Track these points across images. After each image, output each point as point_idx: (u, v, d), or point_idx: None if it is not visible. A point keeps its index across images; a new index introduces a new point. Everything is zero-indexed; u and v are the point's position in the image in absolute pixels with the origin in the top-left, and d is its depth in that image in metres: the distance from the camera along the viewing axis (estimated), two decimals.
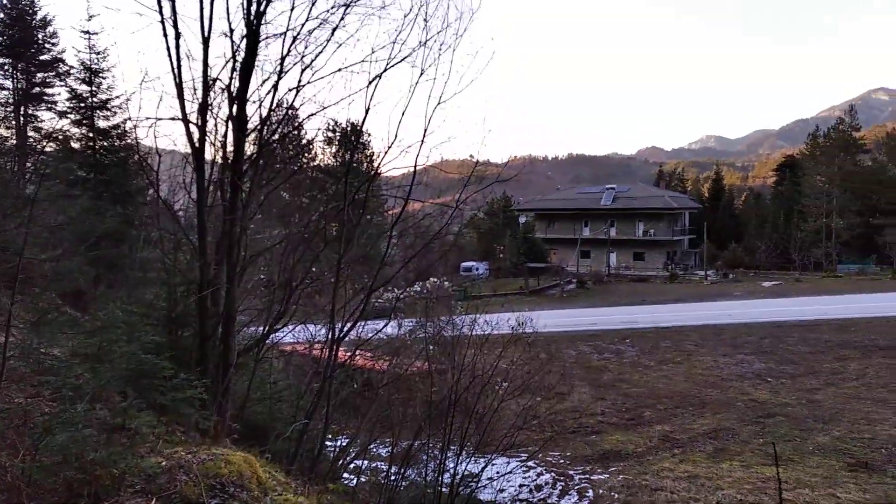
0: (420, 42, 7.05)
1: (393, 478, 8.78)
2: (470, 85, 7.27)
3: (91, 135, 19.46)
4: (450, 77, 7.14)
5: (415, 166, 7.52)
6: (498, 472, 11.17)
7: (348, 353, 8.52)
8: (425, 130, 7.25)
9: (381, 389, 9.20)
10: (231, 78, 7.01)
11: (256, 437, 7.84)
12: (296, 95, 7.17)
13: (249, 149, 7.34)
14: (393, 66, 7.06)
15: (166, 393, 6.58)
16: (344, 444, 9.12)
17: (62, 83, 24.02)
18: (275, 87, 7.08)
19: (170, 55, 6.78)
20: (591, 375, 22.10)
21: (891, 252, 56.88)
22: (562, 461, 13.77)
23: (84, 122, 19.51)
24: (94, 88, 19.38)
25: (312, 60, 7.06)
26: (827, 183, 70.11)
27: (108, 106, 19.58)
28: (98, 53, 19.18)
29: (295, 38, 7.02)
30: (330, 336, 7.67)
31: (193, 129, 6.92)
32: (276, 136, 7.77)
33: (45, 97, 25.20)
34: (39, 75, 25.19)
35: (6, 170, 18.72)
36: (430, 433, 8.84)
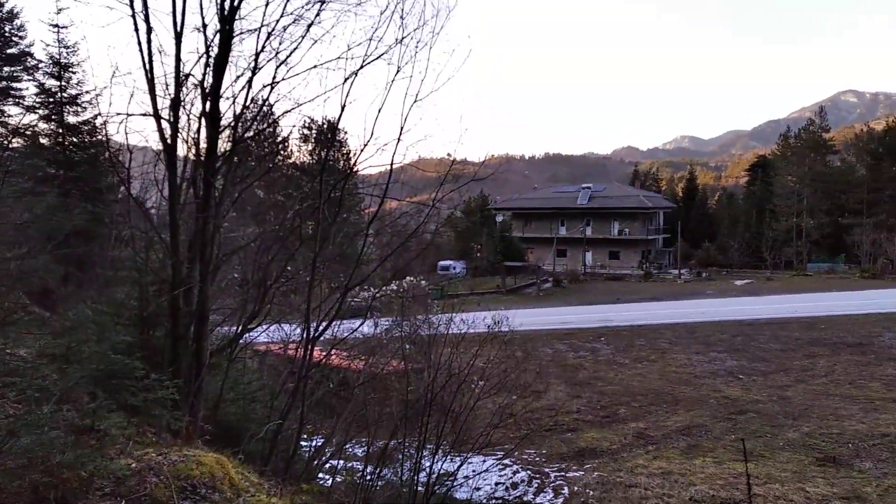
0: (396, 40, 7.03)
1: (368, 477, 8.73)
2: (447, 83, 7.26)
3: (60, 130, 19.11)
4: (426, 75, 7.12)
5: (391, 164, 7.49)
6: (474, 471, 11.18)
7: (324, 353, 8.45)
8: (402, 128, 7.22)
9: (356, 389, 9.15)
10: (204, 74, 6.91)
11: (230, 438, 7.75)
12: (270, 92, 7.10)
13: (223, 146, 7.23)
14: (369, 63, 7.01)
15: (137, 394, 6.46)
16: (319, 444, 9.05)
17: (30, 77, 23.51)
18: (249, 83, 7.00)
19: (141, 50, 6.66)
20: (567, 373, 22.23)
21: (859, 251, 58.02)
22: (537, 459, 13.82)
23: (53, 117, 19.14)
24: (63, 83, 19.03)
25: (287, 57, 6.99)
26: (798, 183, 71.40)
27: (78, 101, 19.24)
28: (67, 48, 18.84)
29: (270, 34, 6.95)
30: (305, 335, 7.59)
31: (165, 125, 6.82)
32: (251, 133, 7.68)
33: (13, 91, 24.61)
34: (6, 69, 24.60)
35: None
36: (406, 432, 8.81)
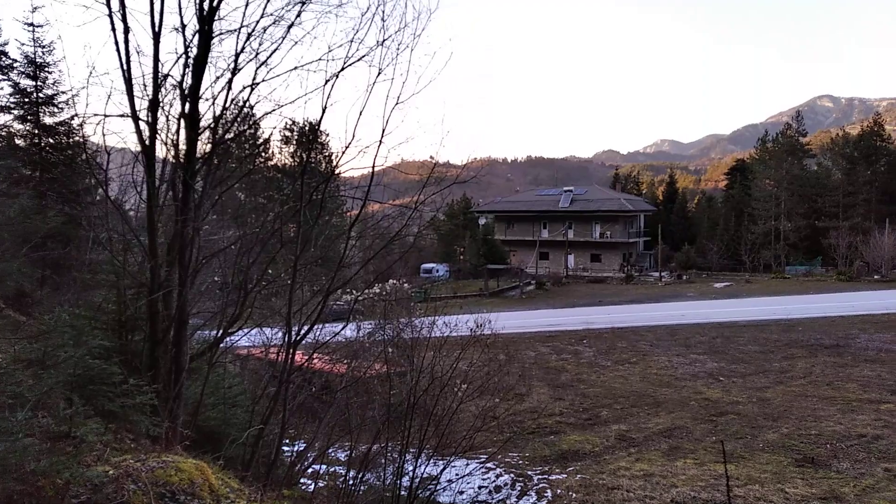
0: (378, 42, 6.99)
1: (351, 482, 8.66)
2: (428, 86, 7.23)
3: (36, 131, 18.78)
4: (408, 77, 7.09)
5: (373, 167, 7.44)
6: (457, 474, 11.14)
7: (306, 357, 8.37)
8: (383, 131, 7.19)
9: (339, 393, 9.08)
10: (183, 74, 6.83)
11: (210, 443, 7.65)
12: (250, 93, 7.02)
13: (203, 147, 7.15)
14: (350, 65, 6.97)
15: (115, 399, 6.36)
16: (301, 448, 8.96)
17: (5, 77, 23.10)
18: (229, 84, 6.93)
19: (118, 50, 6.56)
20: (550, 376, 22.29)
21: (835, 254, 58.90)
22: (521, 462, 13.82)
23: (29, 117, 18.81)
24: (39, 83, 18.71)
25: (268, 58, 6.93)
26: (775, 186, 72.34)
27: (55, 101, 18.92)
28: (43, 47, 18.52)
29: (250, 35, 6.88)
30: (286, 339, 7.52)
31: (143, 126, 6.72)
32: (231, 135, 7.60)
33: None
34: None
35: None
36: (388, 436, 8.76)
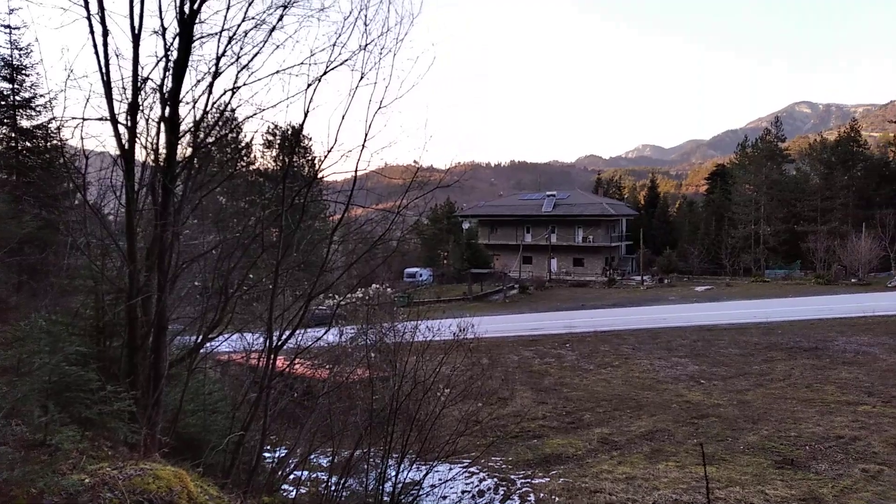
0: (360, 46, 6.97)
1: (333, 488, 8.61)
2: (411, 90, 7.22)
3: (13, 135, 18.51)
4: (390, 82, 7.06)
5: (355, 171, 7.41)
6: (440, 479, 11.12)
7: (287, 362, 8.32)
8: (366, 135, 7.16)
9: (321, 398, 9.02)
10: (164, 78, 6.77)
11: (190, 450, 7.57)
12: (232, 97, 6.97)
13: (183, 151, 7.09)
14: (333, 69, 6.94)
15: (92, 406, 6.27)
16: (283, 454, 8.90)
17: None
18: (209, 87, 6.87)
19: (97, 53, 6.49)
20: (533, 380, 22.34)
21: (813, 257, 59.67)
22: (504, 466, 13.82)
23: (6, 121, 18.54)
24: (16, 86, 18.45)
25: (249, 61, 6.88)
26: (755, 191, 73.19)
27: (32, 105, 18.67)
28: (20, 49, 18.27)
29: (231, 39, 6.84)
30: (267, 344, 7.46)
31: (123, 130, 6.65)
32: (212, 139, 7.54)
33: None
34: None
35: None
36: (371, 442, 8.72)
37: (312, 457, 9.56)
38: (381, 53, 7.01)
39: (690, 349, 26.54)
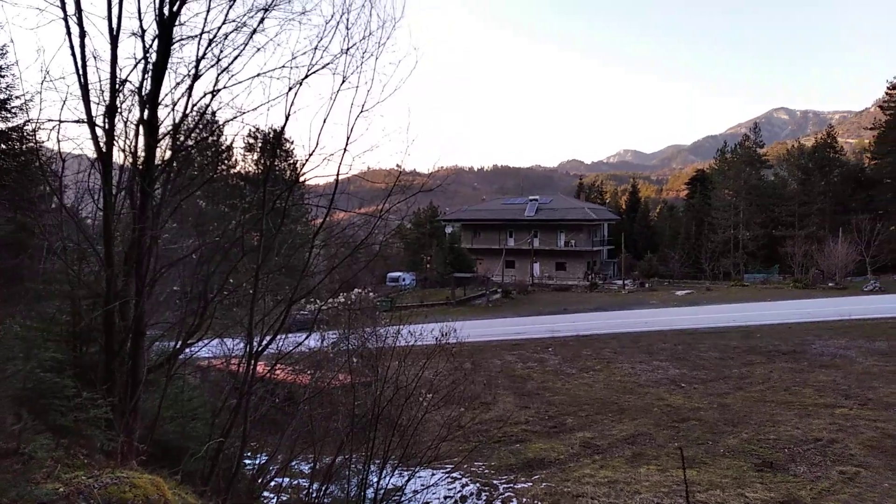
0: (342, 49, 6.94)
1: (315, 495, 8.54)
2: (393, 94, 7.21)
3: None
4: (372, 85, 7.04)
5: (337, 175, 7.37)
6: (422, 485, 11.08)
7: (268, 368, 8.24)
8: (348, 139, 7.12)
9: (302, 404, 8.94)
10: (142, 80, 6.69)
11: (168, 457, 7.45)
12: (212, 99, 6.90)
13: (162, 154, 7.01)
14: (314, 72, 6.90)
15: (67, 413, 6.17)
16: (263, 461, 8.80)
17: None
18: (189, 90, 6.80)
19: (74, 54, 6.41)
20: (516, 384, 22.35)
21: (792, 262, 60.41)
22: (486, 471, 13.80)
23: None
24: None
25: (230, 64, 6.82)
26: (734, 196, 74.02)
27: (7, 106, 18.34)
28: None
29: (211, 41, 6.77)
30: (247, 350, 7.38)
31: (100, 132, 6.56)
32: (191, 142, 7.46)
33: None
34: None
35: None
36: (352, 448, 8.65)
37: (294, 463, 9.47)
38: (363, 57, 6.99)
39: (671, 353, 26.73)
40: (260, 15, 6.81)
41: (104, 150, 6.58)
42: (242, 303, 8.45)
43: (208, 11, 6.71)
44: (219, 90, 6.93)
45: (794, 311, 37.44)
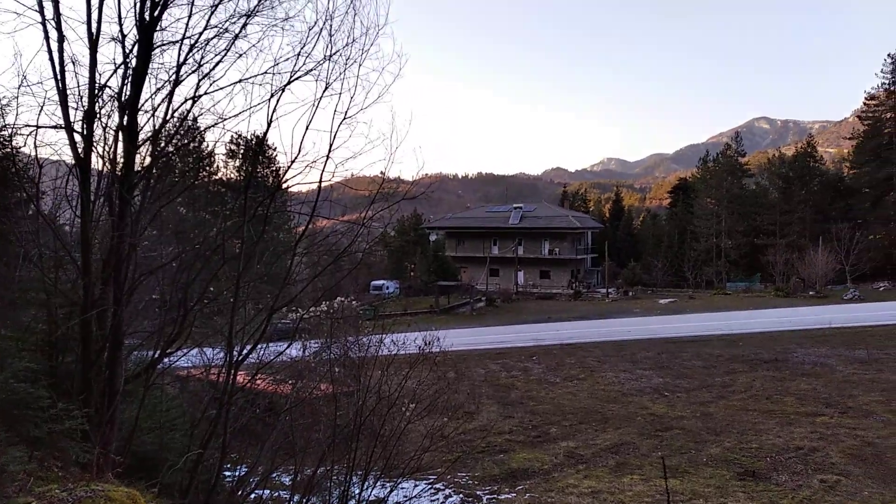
0: (325, 56, 6.89)
1: None
2: (377, 101, 7.18)
3: None
4: (356, 92, 7.00)
5: (319, 182, 7.31)
6: (405, 496, 10.98)
7: (249, 378, 8.12)
8: (330, 146, 7.07)
9: (283, 414, 8.82)
10: (122, 85, 6.60)
11: (146, 469, 7.32)
12: (192, 105, 6.82)
13: (142, 160, 6.91)
14: (297, 78, 6.85)
15: (42, 425, 6.04)
16: (243, 473, 8.66)
17: None
18: (170, 96, 6.72)
19: (52, 59, 6.32)
20: (500, 393, 22.30)
21: (773, 270, 61.05)
22: (470, 482, 13.71)
23: None
24: None
25: (211, 70, 6.75)
26: (716, 205, 74.81)
27: None
28: None
29: (192, 46, 6.70)
30: (228, 359, 7.27)
31: (78, 138, 6.46)
32: (171, 148, 7.37)
33: None
34: None
35: None
36: (334, 459, 8.55)
37: (274, 475, 9.34)
38: (346, 64, 6.95)
39: (655, 361, 26.83)
40: (242, 20, 6.75)
41: (82, 156, 6.49)
42: (223, 311, 8.35)
43: (190, 17, 6.65)
44: (200, 96, 6.85)
45: (776, 319, 37.81)
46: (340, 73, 6.97)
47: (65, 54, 6.39)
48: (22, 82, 6.55)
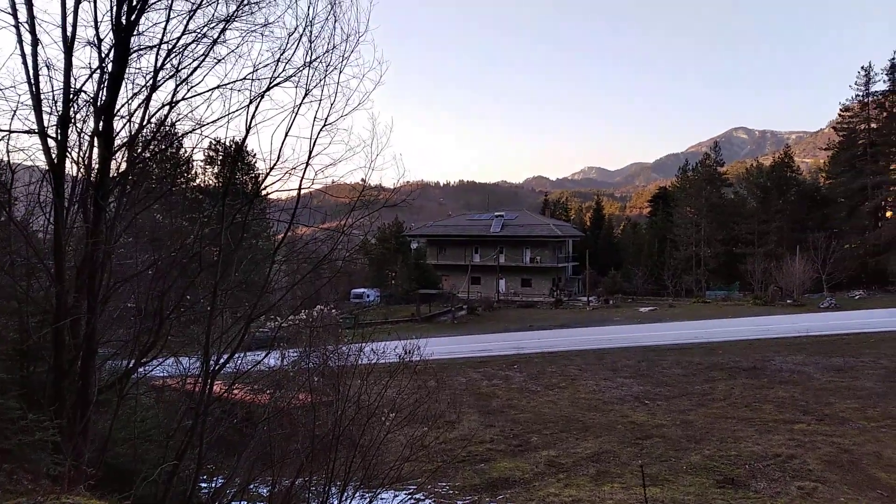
0: (305, 62, 6.85)
1: None
2: (358, 107, 7.15)
3: None
4: (336, 99, 6.98)
5: (299, 189, 7.25)
6: None
7: (226, 387, 8.00)
8: (310, 152, 7.03)
9: (261, 424, 8.70)
10: (98, 90, 6.51)
11: (119, 481, 7.18)
12: (170, 111, 6.73)
13: (118, 166, 6.80)
14: (276, 84, 6.80)
15: (11, 437, 5.90)
16: (220, 485, 8.53)
17: None
18: (147, 101, 6.63)
19: (25, 63, 6.22)
20: (481, 402, 22.24)
21: (751, 279, 61.71)
22: (451, 492, 13.63)
23: None
24: None
25: (189, 75, 6.68)
26: (695, 214, 75.53)
27: None
28: None
29: (170, 52, 6.62)
30: (204, 369, 7.16)
31: (52, 143, 6.35)
32: (148, 154, 7.27)
33: None
34: None
35: None
36: (313, 469, 8.44)
37: (251, 486, 9.19)
38: (326, 70, 6.92)
39: (635, 370, 26.94)
40: (221, 26, 6.70)
41: (56, 161, 6.38)
42: (200, 320, 8.23)
43: (168, 21, 6.58)
44: (177, 101, 6.78)
45: (755, 327, 38.20)
46: (321, 80, 6.94)
47: (39, 58, 6.31)
48: None
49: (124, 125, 6.68)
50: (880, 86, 71.29)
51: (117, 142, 6.66)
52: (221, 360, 7.24)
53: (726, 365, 26.81)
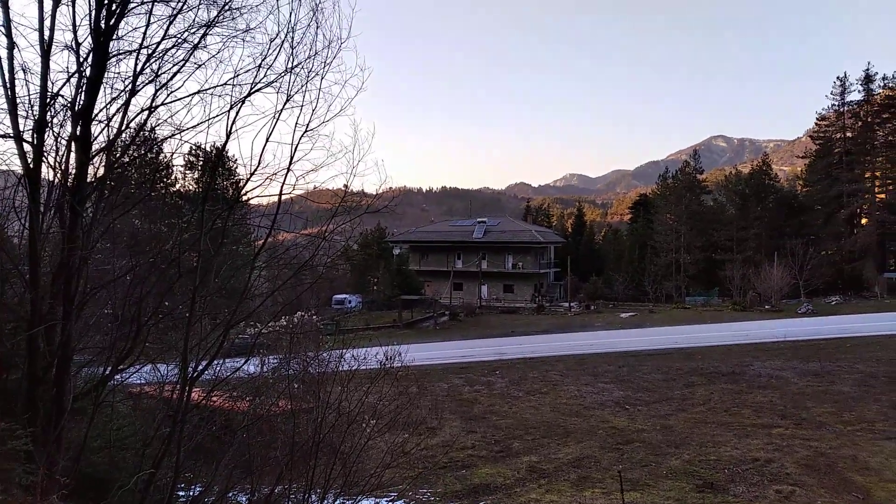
0: (287, 68, 6.82)
1: None
2: (340, 113, 7.13)
3: None
4: (318, 105, 6.95)
5: (280, 194, 7.21)
6: None
7: (204, 394, 7.92)
8: (292, 158, 6.98)
9: (240, 432, 8.62)
10: (76, 94, 6.44)
11: (94, 490, 7.09)
12: (149, 116, 6.68)
13: (95, 171, 6.73)
14: (257, 90, 6.77)
15: None
16: (198, 493, 8.43)
17: None
18: (125, 106, 6.57)
19: (0, 67, 6.14)
20: (462, 408, 22.22)
21: (730, 285, 62.39)
22: (432, 498, 13.59)
23: None
24: None
25: (169, 80, 6.63)
26: (675, 221, 76.34)
27: None
28: None
29: (150, 56, 6.57)
30: (182, 375, 7.08)
31: (28, 148, 6.27)
32: (126, 159, 7.20)
33: None
34: None
35: None
36: (292, 477, 8.37)
37: (230, 494, 9.08)
38: (308, 76, 6.90)
39: (616, 375, 27.09)
40: (202, 31, 6.66)
41: (32, 166, 6.31)
42: (178, 326, 8.14)
43: (148, 26, 6.54)
44: (157, 106, 6.73)
45: (734, 333, 38.60)
46: (302, 86, 6.91)
47: (15, 62, 6.24)
48: None
49: (102, 130, 6.61)
50: (855, 95, 72.95)
51: (95, 146, 6.59)
52: (200, 367, 7.16)
53: (706, 370, 27.06)
